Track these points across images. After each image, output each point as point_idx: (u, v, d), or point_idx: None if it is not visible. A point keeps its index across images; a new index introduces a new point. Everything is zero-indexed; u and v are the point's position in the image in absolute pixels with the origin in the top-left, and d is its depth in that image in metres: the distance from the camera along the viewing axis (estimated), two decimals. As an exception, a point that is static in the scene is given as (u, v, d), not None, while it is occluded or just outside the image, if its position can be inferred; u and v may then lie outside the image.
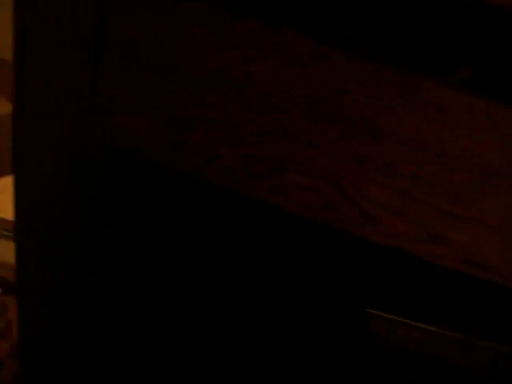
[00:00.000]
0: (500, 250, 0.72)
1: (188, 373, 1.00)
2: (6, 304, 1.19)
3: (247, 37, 0.72)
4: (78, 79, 0.76)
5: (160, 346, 0.98)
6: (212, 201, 0.91)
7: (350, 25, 0.76)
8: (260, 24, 0.71)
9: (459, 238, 0.72)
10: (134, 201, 0.89)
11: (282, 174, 0.74)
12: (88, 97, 0.76)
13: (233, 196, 0.76)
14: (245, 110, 0.73)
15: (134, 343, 0.97)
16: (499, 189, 0.72)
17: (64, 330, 0.88)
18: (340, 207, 0.74)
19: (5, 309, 1.18)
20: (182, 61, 0.74)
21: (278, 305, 1.04)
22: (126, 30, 0.74)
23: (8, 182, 1.33)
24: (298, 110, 0.73)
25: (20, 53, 0.77)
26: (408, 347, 1.03)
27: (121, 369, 0.96)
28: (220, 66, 0.73)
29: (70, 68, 0.75)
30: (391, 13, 0.76)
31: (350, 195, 0.73)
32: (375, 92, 0.71)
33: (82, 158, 0.79)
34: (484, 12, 0.72)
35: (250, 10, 0.72)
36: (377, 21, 0.76)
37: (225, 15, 0.72)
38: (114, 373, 0.95)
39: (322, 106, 0.72)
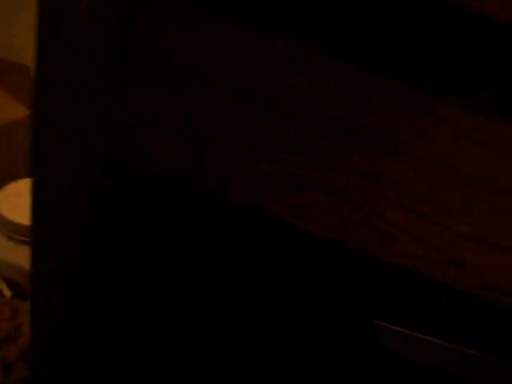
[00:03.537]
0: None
1: (189, 377, 1.00)
2: (16, 308, 1.19)
3: (270, 53, 0.72)
4: (102, 93, 0.76)
5: (163, 350, 0.98)
6: (230, 217, 0.91)
7: (374, 45, 0.76)
8: (285, 42, 0.72)
9: (477, 262, 0.72)
10: (154, 214, 0.90)
11: (300, 192, 0.74)
12: (112, 110, 0.76)
13: (250, 213, 0.76)
14: (266, 126, 0.74)
15: (143, 350, 0.97)
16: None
17: (77, 335, 0.88)
18: (357, 227, 0.74)
19: (15, 312, 1.18)
20: (205, 76, 0.74)
21: (288, 315, 1.04)
22: (150, 45, 0.74)
23: (22, 185, 1.33)
24: (318, 128, 0.73)
25: (42, 61, 0.77)
26: (418, 361, 1.03)
27: (132, 375, 0.96)
28: (242, 82, 0.73)
29: (94, 81, 0.76)
30: (415, 34, 0.76)
31: (368, 215, 0.73)
32: (398, 113, 0.71)
33: (103, 169, 0.79)
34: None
35: (277, 29, 0.72)
36: (399, 42, 0.76)
37: (250, 32, 0.72)
38: (125, 379, 0.95)
39: (344, 125, 0.72)
